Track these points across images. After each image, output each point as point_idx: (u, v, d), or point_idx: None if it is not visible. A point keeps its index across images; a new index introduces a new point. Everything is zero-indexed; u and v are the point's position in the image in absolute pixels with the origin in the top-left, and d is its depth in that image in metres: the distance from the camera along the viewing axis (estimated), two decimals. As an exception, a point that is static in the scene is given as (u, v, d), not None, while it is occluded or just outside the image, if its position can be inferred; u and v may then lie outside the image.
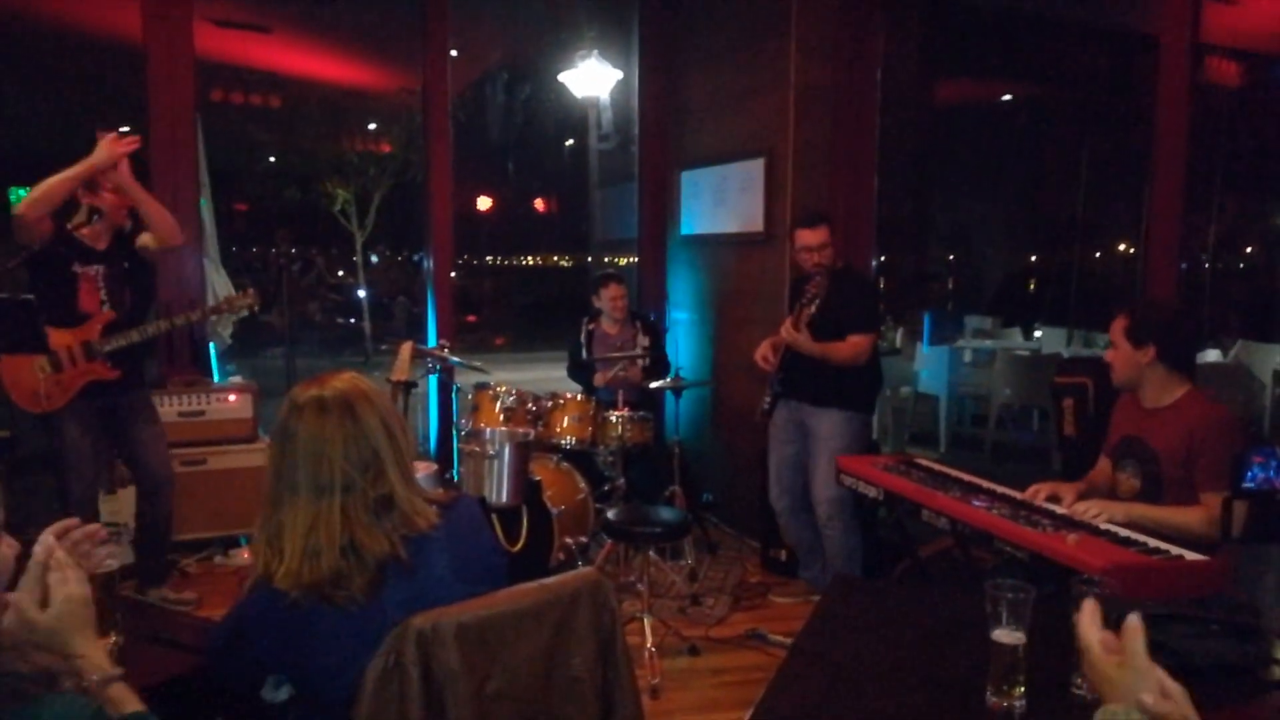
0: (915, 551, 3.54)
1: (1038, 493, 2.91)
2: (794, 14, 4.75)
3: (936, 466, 3.39)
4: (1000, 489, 3.04)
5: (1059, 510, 2.79)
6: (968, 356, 8.36)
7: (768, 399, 4.16)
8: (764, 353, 4.10)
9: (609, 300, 5.15)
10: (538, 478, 4.14)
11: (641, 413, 4.73)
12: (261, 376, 6.02)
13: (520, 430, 4.06)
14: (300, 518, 1.64)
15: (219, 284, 5.66)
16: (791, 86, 4.79)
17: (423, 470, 3.23)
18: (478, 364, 4.90)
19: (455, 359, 4.79)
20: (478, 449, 3.68)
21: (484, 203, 14.59)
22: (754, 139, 5.09)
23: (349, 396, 1.71)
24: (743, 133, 5.19)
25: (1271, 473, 1.87)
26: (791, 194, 4.81)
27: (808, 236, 3.99)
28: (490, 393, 4.48)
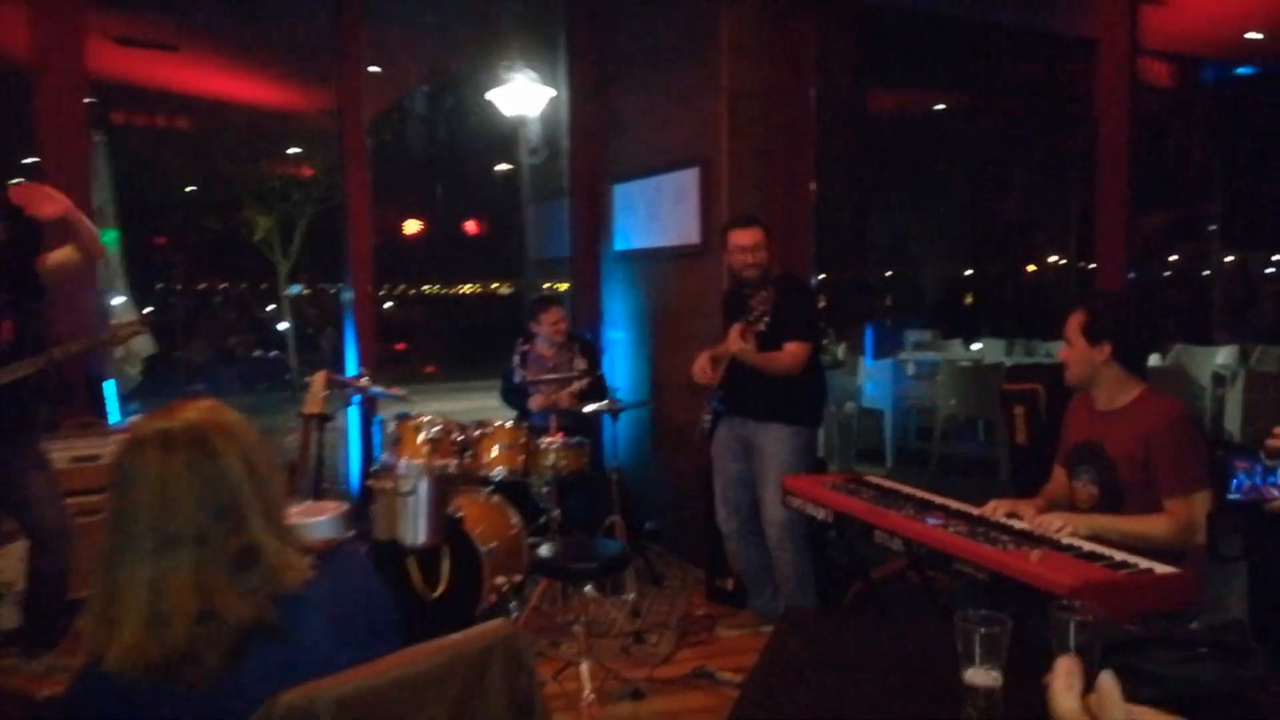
0: (867, 575, 3.34)
1: (995, 509, 2.73)
2: (722, 17, 4.59)
3: (887, 483, 3.19)
4: (955, 505, 2.86)
5: (1018, 525, 2.60)
6: (910, 369, 8.27)
7: (708, 416, 3.94)
8: (702, 365, 3.88)
9: (549, 325, 4.92)
10: (461, 514, 3.85)
11: (577, 439, 4.47)
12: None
13: (439, 462, 3.76)
14: (141, 579, 1.35)
15: (126, 318, 5.29)
16: (723, 91, 4.61)
17: (329, 511, 2.94)
18: (399, 392, 4.60)
19: (376, 389, 4.49)
20: (389, 485, 3.37)
21: (412, 226, 14.21)
22: (687, 148, 4.90)
23: (202, 429, 1.43)
24: (675, 142, 5.00)
25: (1258, 479, 1.69)
26: (727, 204, 4.62)
27: (740, 236, 3.81)
28: (412, 423, 4.17)
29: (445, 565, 3.62)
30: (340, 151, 5.33)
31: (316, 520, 2.79)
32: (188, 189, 14.21)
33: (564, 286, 6.55)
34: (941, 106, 10.66)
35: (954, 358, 9.11)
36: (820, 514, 3.09)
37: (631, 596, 4.37)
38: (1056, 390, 3.47)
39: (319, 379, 4.02)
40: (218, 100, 9.30)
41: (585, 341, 5.17)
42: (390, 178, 13.51)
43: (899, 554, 2.70)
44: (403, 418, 4.25)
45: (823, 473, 4.02)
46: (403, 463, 3.49)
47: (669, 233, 5.12)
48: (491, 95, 7.81)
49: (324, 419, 4.06)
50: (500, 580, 3.95)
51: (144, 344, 6.19)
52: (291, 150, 12.51)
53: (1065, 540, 2.45)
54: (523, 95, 7.39)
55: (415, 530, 3.37)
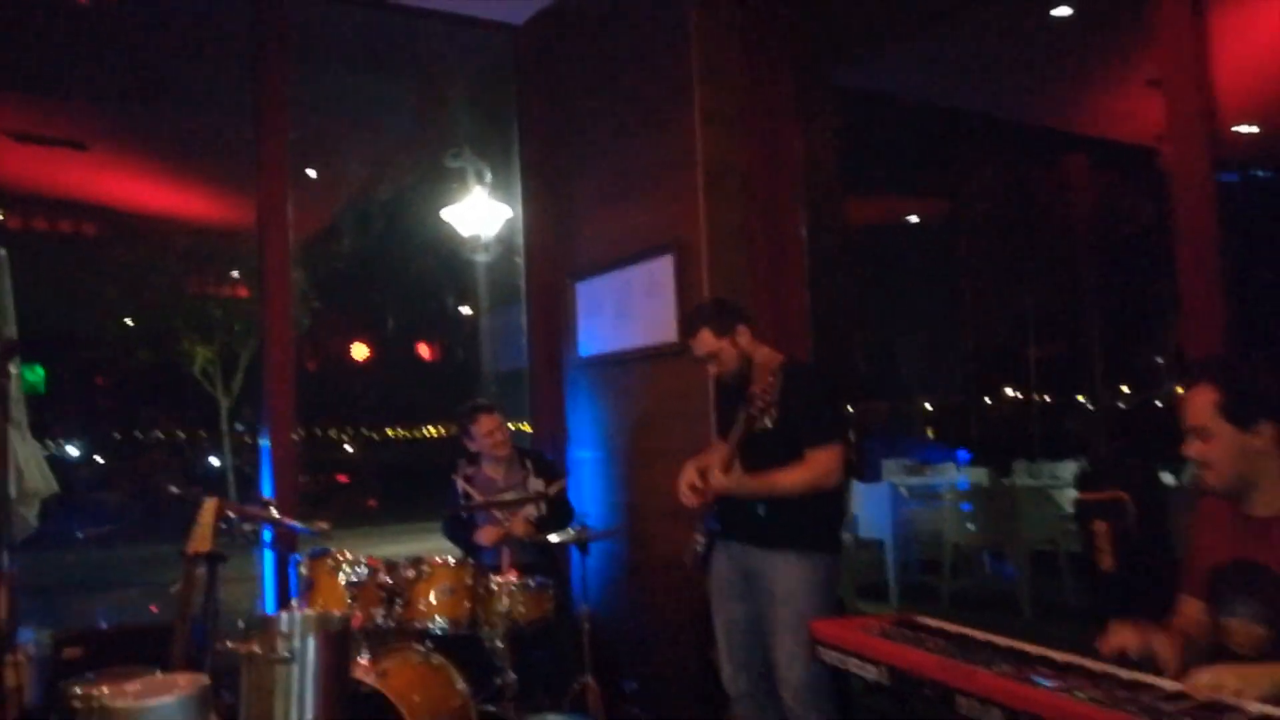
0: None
1: (1118, 648, 1.97)
2: (696, 84, 4.03)
3: (953, 628, 2.39)
4: (1060, 656, 2.06)
5: (1168, 686, 1.82)
6: (904, 493, 7.52)
7: (700, 541, 3.13)
8: (690, 481, 3.11)
9: (484, 437, 4.12)
10: (372, 687, 2.94)
11: (538, 579, 3.62)
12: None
13: (336, 613, 2.87)
14: None
15: (24, 455, 4.42)
16: (699, 164, 4.01)
17: (178, 690, 2.07)
18: (321, 526, 3.73)
19: (295, 524, 3.64)
20: (259, 650, 2.45)
21: (360, 351, 13.41)
22: (659, 232, 4.26)
23: None
24: (645, 227, 4.37)
25: None
26: (709, 290, 3.94)
27: (693, 348, 3.15)
28: (328, 562, 3.32)
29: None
30: (260, 267, 4.58)
31: (155, 704, 1.93)
32: (125, 319, 13.39)
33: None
34: (914, 219, 10.35)
35: (951, 480, 8.38)
36: (870, 673, 2.26)
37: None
38: (1150, 498, 2.74)
39: (208, 509, 3.17)
40: (142, 213, 8.60)
41: (539, 457, 4.37)
42: (335, 300, 12.78)
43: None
44: (317, 555, 3.39)
45: (844, 614, 3.22)
46: (283, 615, 2.60)
47: (641, 332, 4.42)
48: (446, 214, 7.29)
49: (214, 559, 3.19)
50: (440, 770, 3.02)
51: (40, 483, 5.28)
52: (234, 274, 11.76)
53: (1253, 710, 1.67)
54: (478, 213, 6.84)
55: (298, 714, 2.44)
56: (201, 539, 3.15)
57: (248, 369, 13.07)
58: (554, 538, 3.68)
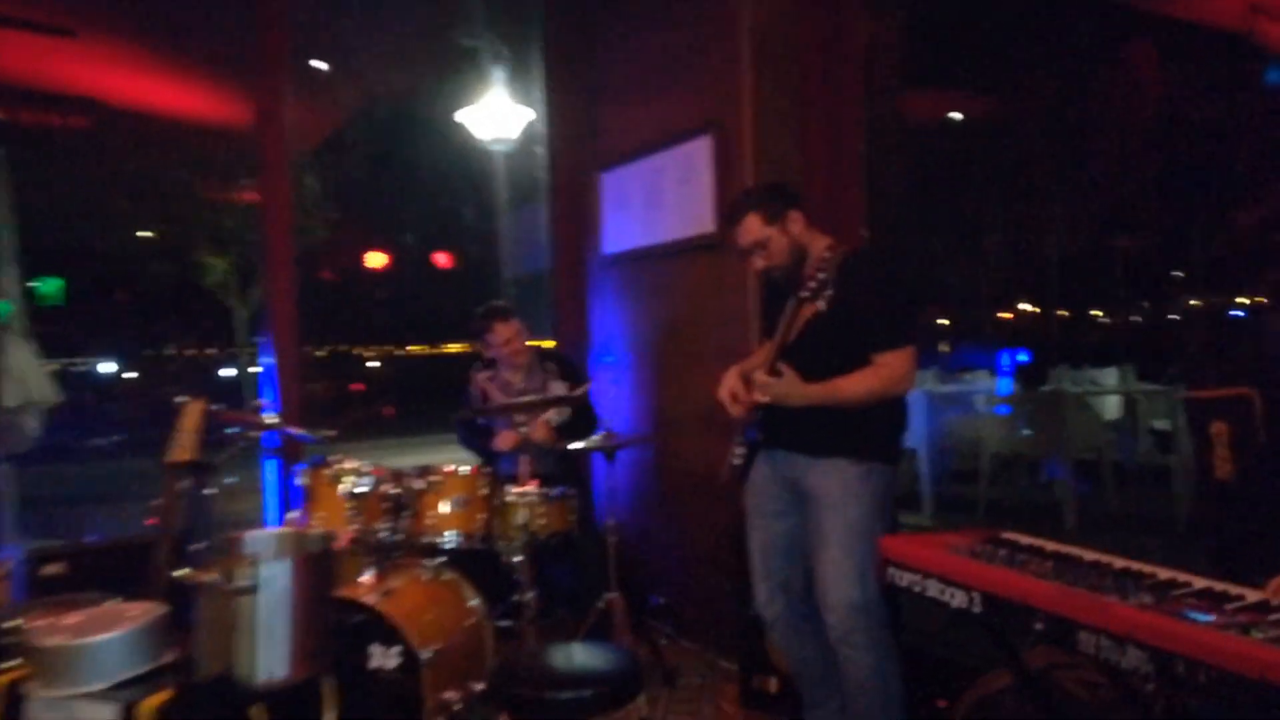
0: (1024, 669, 2.10)
1: None
2: (740, -65, 3.51)
3: (1048, 545, 2.01)
4: (1201, 581, 1.68)
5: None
6: (939, 400, 7.13)
7: (739, 452, 2.72)
8: (731, 387, 2.69)
9: (500, 345, 3.74)
10: (371, 604, 2.60)
11: (559, 489, 3.28)
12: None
13: (315, 531, 2.52)
14: None
15: (24, 363, 4.11)
16: (744, 32, 3.52)
17: (129, 621, 1.74)
18: (327, 433, 3.39)
19: (295, 430, 3.30)
20: (216, 577, 2.00)
21: (376, 260, 12.95)
22: (695, 112, 3.79)
23: None
24: (680, 107, 3.90)
25: None
26: (754, 174, 3.50)
27: (736, 237, 2.67)
28: (327, 471, 2.98)
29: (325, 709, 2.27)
30: (258, 166, 4.15)
31: (93, 642, 1.59)
32: (141, 232, 13.04)
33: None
34: (959, 116, 9.64)
35: (987, 388, 7.97)
36: (957, 600, 1.89)
37: (638, 703, 3.12)
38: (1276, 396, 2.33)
39: (190, 412, 2.83)
40: (142, 112, 8.10)
41: (562, 359, 4.00)
42: (351, 210, 12.31)
43: (1135, 674, 1.51)
44: (316, 464, 3.05)
45: (897, 530, 2.84)
46: (248, 536, 2.23)
47: (675, 224, 3.99)
48: (461, 116, 6.78)
49: (201, 469, 2.86)
50: (450, 696, 2.71)
51: (41, 392, 4.99)
52: (245, 181, 11.29)
53: None
54: (496, 115, 6.34)
55: (265, 657, 2.01)
56: (182, 447, 2.82)
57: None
58: (577, 445, 3.32)
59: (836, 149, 3.65)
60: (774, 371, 2.50)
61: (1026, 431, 5.93)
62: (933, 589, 1.96)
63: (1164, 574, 1.75)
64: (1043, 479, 6.77)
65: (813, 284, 2.38)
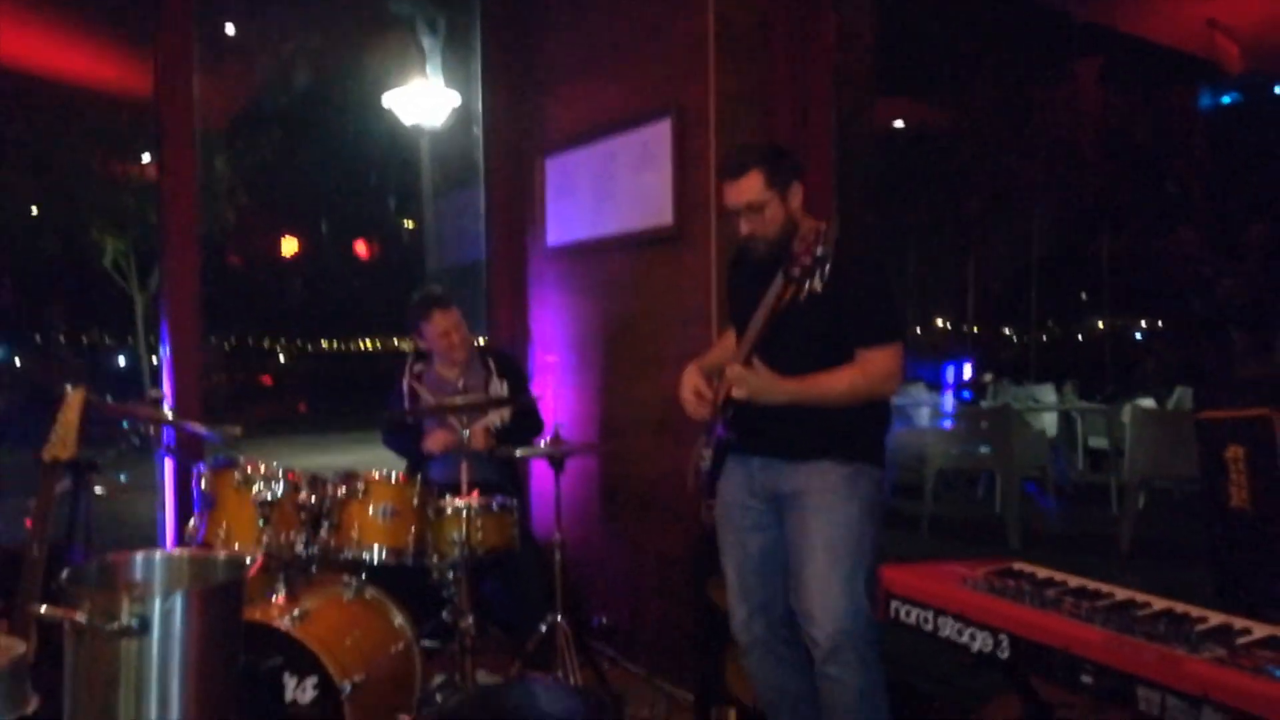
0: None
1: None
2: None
3: (1070, 579, 1.80)
4: (1262, 629, 1.49)
5: None
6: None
7: (705, 454, 2.45)
8: (693, 386, 2.43)
9: (438, 337, 3.38)
10: (283, 628, 2.27)
11: (499, 499, 2.95)
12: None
13: (220, 555, 2.16)
14: None
15: None
16: (710, 10, 3.26)
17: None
18: (231, 431, 2.99)
19: (194, 425, 2.90)
20: (88, 617, 1.51)
21: (289, 247, 12.26)
22: (654, 93, 3.52)
23: None
24: (637, 88, 3.62)
25: None
26: (715, 163, 3.24)
27: (730, 193, 2.36)
28: (235, 475, 2.60)
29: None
30: (159, 136, 3.70)
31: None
32: (30, 207, 12.11)
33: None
34: (900, 124, 9.61)
35: (929, 401, 7.92)
36: (977, 641, 1.66)
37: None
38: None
39: (72, 404, 2.42)
40: (38, 76, 7.43)
41: (504, 356, 3.67)
42: (264, 194, 11.64)
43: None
44: (221, 466, 2.67)
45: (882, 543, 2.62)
46: (136, 559, 1.83)
47: (627, 214, 3.70)
48: (388, 99, 6.39)
49: (81, 469, 2.46)
50: (375, 735, 2.38)
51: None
52: (146, 157, 10.51)
53: None
54: (426, 101, 5.98)
55: (155, 716, 1.56)
56: (63, 442, 2.40)
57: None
58: (522, 451, 3.01)
59: (805, 138, 3.42)
60: (748, 364, 2.23)
61: (983, 449, 5.81)
62: (948, 629, 1.72)
63: (1215, 618, 1.55)
64: (980, 496, 6.72)
65: (806, 260, 2.10)
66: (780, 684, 2.52)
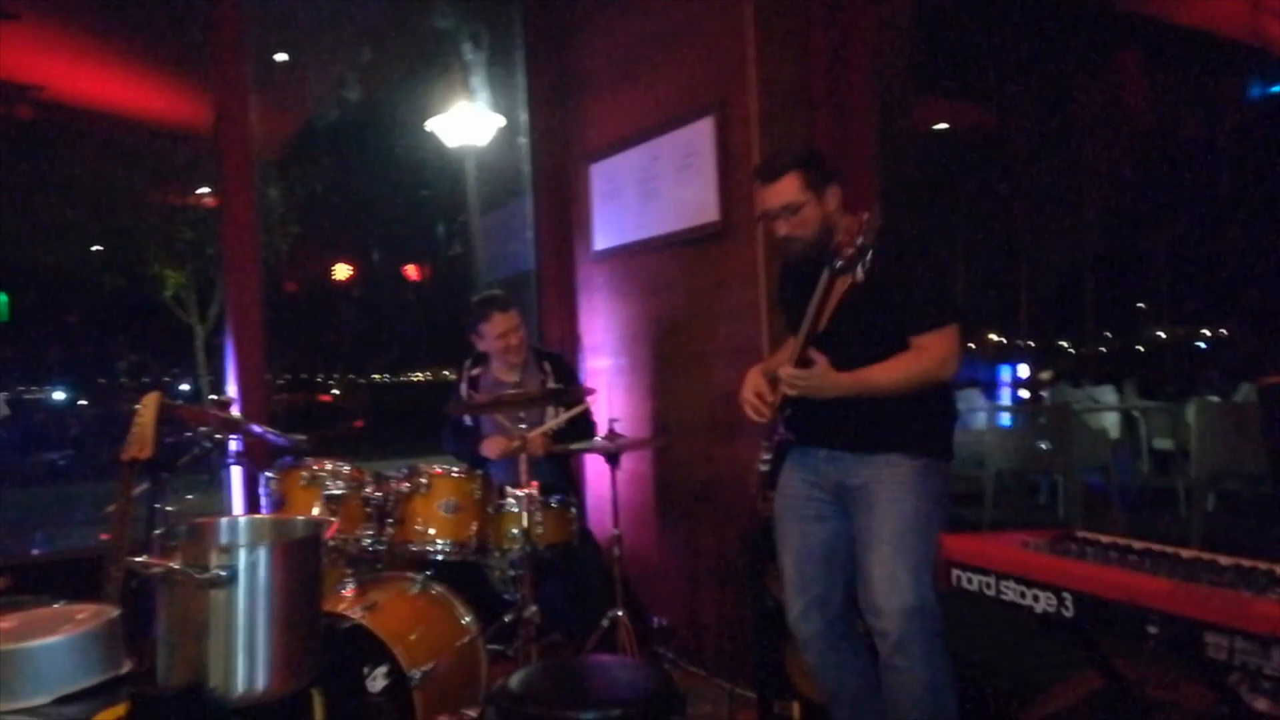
0: (1122, 681, 1.86)
1: None
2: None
3: (1135, 543, 1.78)
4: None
5: None
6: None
7: (766, 457, 2.48)
8: (756, 389, 2.44)
9: (496, 339, 3.44)
10: (358, 623, 2.33)
11: (557, 497, 3.00)
12: None
13: (298, 518, 2.24)
14: None
15: None
16: (749, 2, 3.31)
17: (70, 626, 1.44)
18: (297, 438, 3.09)
19: (261, 429, 2.99)
20: (182, 566, 1.62)
21: (342, 272, 12.53)
22: (695, 92, 3.57)
23: None
24: (677, 88, 3.68)
25: None
26: (759, 157, 3.27)
27: (765, 196, 2.39)
28: (302, 473, 2.68)
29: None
30: (217, 165, 3.84)
31: (31, 646, 1.30)
32: (92, 246, 12.53)
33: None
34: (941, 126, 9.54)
35: (983, 407, 7.81)
36: (1040, 602, 1.66)
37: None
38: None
39: (148, 406, 2.52)
40: (93, 110, 7.71)
41: (559, 360, 3.72)
42: (315, 224, 11.92)
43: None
44: (289, 465, 2.76)
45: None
46: (221, 522, 1.92)
47: (673, 214, 3.75)
48: (432, 125, 6.54)
49: (157, 468, 2.56)
50: (444, 724, 2.43)
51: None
52: (203, 190, 10.83)
53: None
54: (468, 123, 6.11)
55: (244, 665, 1.65)
56: (140, 443, 2.51)
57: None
58: (579, 446, 3.06)
59: (847, 133, 3.45)
60: (803, 362, 2.26)
61: (1043, 444, 5.70)
62: (1010, 592, 1.72)
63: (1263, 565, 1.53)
64: (1043, 500, 6.60)
65: (850, 251, 2.13)
66: (840, 677, 2.52)
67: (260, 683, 1.56)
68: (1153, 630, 1.44)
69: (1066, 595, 1.61)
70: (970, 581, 1.82)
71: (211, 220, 10.74)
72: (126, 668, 1.48)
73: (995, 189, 11.41)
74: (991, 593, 1.77)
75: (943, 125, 9.51)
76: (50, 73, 5.82)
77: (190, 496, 5.68)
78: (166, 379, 13.83)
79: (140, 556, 2.47)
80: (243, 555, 1.56)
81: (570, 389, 3.36)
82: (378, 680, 2.30)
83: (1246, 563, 1.58)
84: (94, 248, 12.57)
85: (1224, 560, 1.61)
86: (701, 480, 3.56)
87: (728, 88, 3.42)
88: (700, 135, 3.56)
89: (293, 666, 1.59)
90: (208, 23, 3.76)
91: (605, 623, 3.00)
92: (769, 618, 2.85)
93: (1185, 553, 1.68)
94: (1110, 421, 7.17)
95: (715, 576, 3.51)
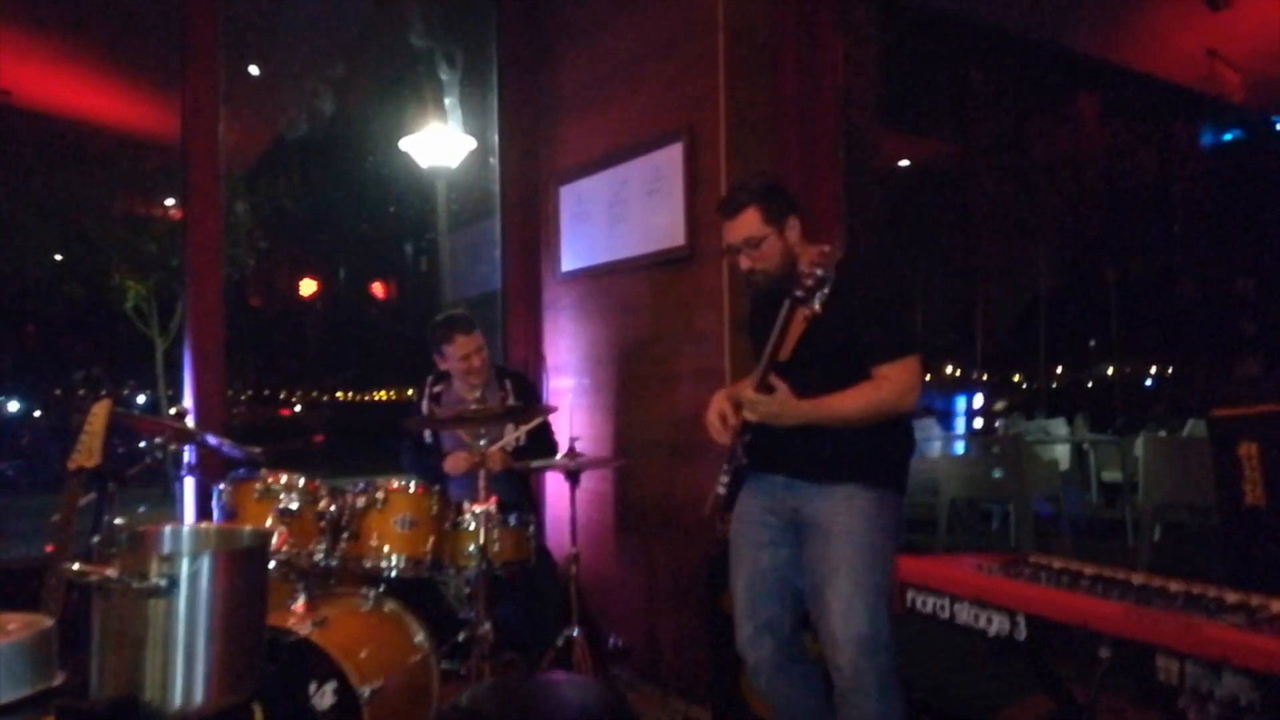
0: (1074, 702, 1.86)
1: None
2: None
3: (1085, 567, 1.80)
4: (1257, 599, 1.49)
5: None
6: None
7: (723, 480, 2.46)
8: (719, 410, 2.43)
9: (459, 360, 3.40)
10: (305, 632, 2.29)
11: (516, 514, 2.97)
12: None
13: (246, 528, 2.20)
14: None
15: None
16: (719, 30, 3.35)
17: (9, 632, 1.40)
18: (252, 450, 3.03)
19: (216, 439, 2.94)
20: (118, 574, 1.55)
21: (307, 287, 12.39)
22: (665, 117, 3.60)
23: None
24: (647, 112, 3.71)
25: None
26: (726, 184, 3.30)
27: (728, 230, 2.42)
28: (255, 485, 2.64)
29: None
30: (184, 176, 3.79)
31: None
32: (54, 255, 12.31)
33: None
34: (904, 162, 9.68)
35: (938, 435, 7.89)
36: (994, 625, 1.66)
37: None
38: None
39: (98, 414, 2.47)
40: (58, 115, 7.60)
41: (520, 378, 3.70)
42: (283, 239, 11.81)
43: (1233, 704, 1.30)
44: (242, 478, 2.71)
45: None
46: (164, 530, 1.86)
47: (641, 237, 3.77)
48: (405, 144, 6.53)
49: (104, 479, 2.50)
50: (392, 744, 2.38)
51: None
52: (169, 201, 10.67)
53: None
54: (442, 144, 6.13)
55: (182, 677, 1.58)
56: (88, 451, 2.45)
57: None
58: (539, 464, 3.04)
59: (814, 162, 3.49)
60: (764, 388, 2.26)
61: (996, 473, 5.77)
62: (964, 614, 1.73)
63: (1233, 596, 1.55)
64: (995, 527, 6.67)
65: (809, 282, 2.14)
66: (790, 700, 2.50)
67: (198, 696, 1.50)
68: (1104, 653, 1.45)
69: (1020, 618, 1.61)
70: (924, 604, 1.82)
71: (176, 232, 10.59)
72: (59, 680, 1.43)
73: (956, 225, 11.63)
74: (945, 615, 1.77)
75: (905, 161, 9.68)
76: (17, 78, 5.74)
77: (142, 509, 5.56)
78: (124, 391, 13.56)
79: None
80: (185, 564, 1.51)
81: (530, 406, 3.34)
82: (326, 696, 2.25)
83: (1197, 588, 1.60)
84: (55, 256, 12.35)
85: (1174, 585, 1.63)
86: (661, 500, 3.54)
87: (698, 114, 3.45)
88: (669, 160, 3.58)
89: (233, 679, 1.54)
90: (179, 32, 3.73)
91: (560, 641, 2.97)
92: (726, 639, 2.83)
93: (1136, 577, 1.70)
94: (1061, 453, 7.28)
95: (673, 596, 3.49)
